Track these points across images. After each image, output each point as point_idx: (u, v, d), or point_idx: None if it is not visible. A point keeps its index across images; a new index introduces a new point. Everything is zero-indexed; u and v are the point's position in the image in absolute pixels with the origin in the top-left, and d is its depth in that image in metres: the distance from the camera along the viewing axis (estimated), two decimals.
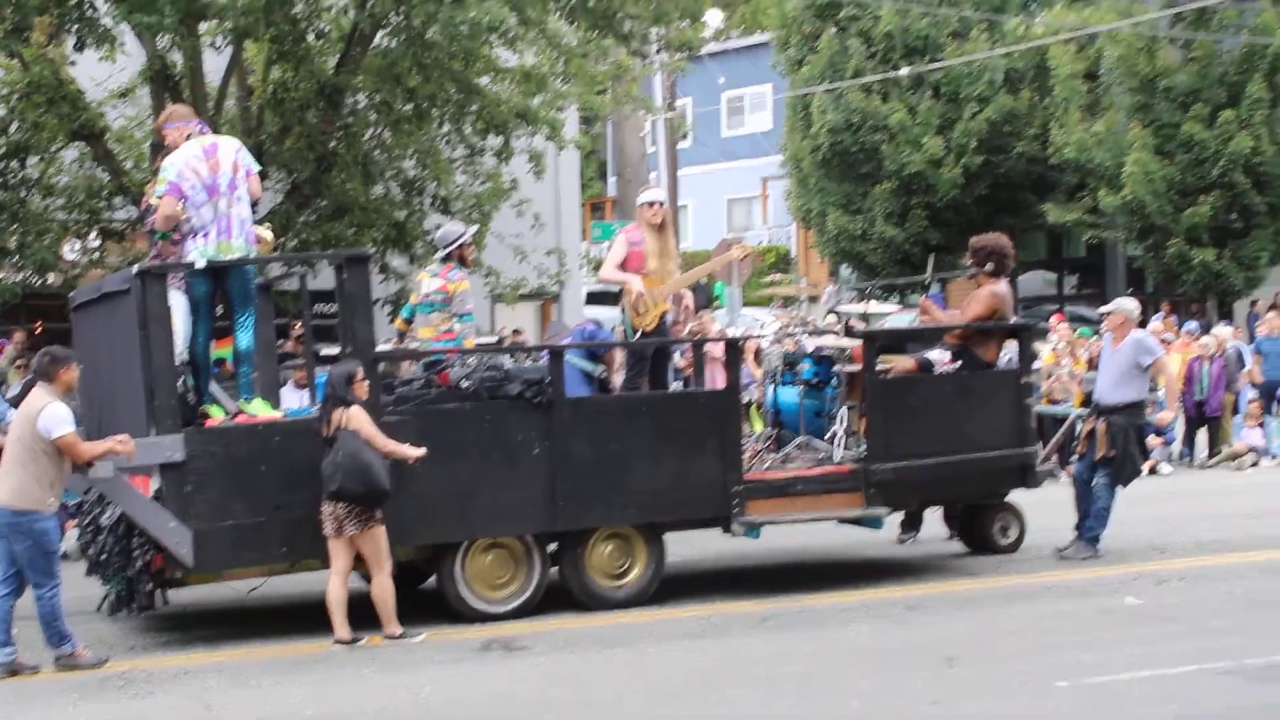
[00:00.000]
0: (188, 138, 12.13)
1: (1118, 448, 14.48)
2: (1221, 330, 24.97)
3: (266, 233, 13.43)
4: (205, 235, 11.87)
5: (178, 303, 12.00)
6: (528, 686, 10.26)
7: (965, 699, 9.57)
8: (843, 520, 14.07)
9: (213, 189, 11.88)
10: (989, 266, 14.42)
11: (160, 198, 11.92)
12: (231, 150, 12.06)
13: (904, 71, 35.25)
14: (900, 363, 14.45)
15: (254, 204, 12.12)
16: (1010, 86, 36.13)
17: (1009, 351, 15.35)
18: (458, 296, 13.06)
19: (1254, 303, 33.23)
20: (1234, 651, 10.45)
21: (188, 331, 12.13)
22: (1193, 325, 26.11)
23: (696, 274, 15.49)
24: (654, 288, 13.60)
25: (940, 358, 14.31)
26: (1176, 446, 23.60)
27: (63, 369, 11.09)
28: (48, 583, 10.88)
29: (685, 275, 14.58)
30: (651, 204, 13.81)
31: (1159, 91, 33.31)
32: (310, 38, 19.62)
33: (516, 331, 25.16)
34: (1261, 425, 23.40)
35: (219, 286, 12.09)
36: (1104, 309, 15.42)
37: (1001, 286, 14.42)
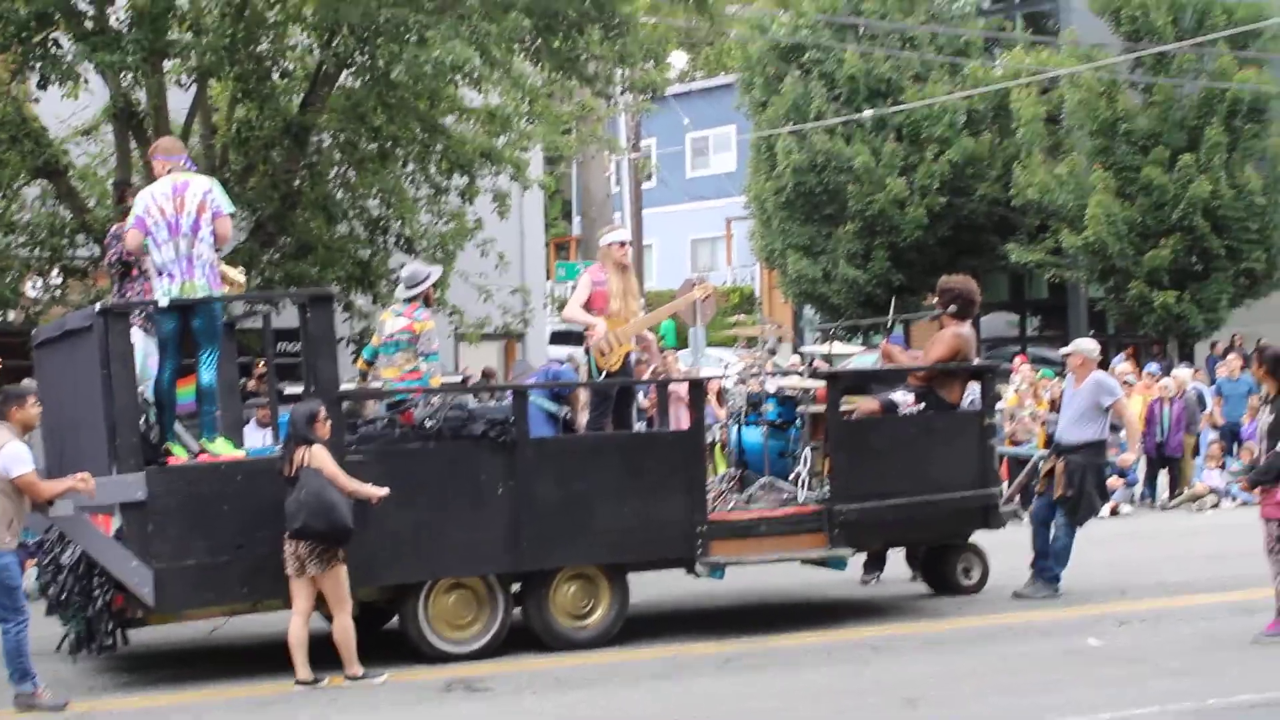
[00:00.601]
0: (168, 172, 12.12)
1: (1074, 487, 14.53)
2: (1181, 372, 25.11)
3: (238, 275, 13.40)
4: (170, 275, 11.85)
5: (139, 341, 11.96)
6: None
7: None
8: (806, 561, 14.05)
9: (174, 228, 11.85)
10: (953, 308, 14.49)
11: (127, 231, 11.90)
12: (200, 191, 11.99)
13: (867, 114, 35.49)
14: (864, 404, 14.48)
15: (218, 247, 12.06)
16: (972, 129, 36.39)
17: (972, 393, 15.40)
18: (423, 336, 13.01)
19: (1214, 344, 33.47)
20: (1197, 693, 10.46)
21: (148, 370, 12.09)
22: (1153, 367, 26.27)
23: (660, 314, 15.52)
24: (618, 328, 13.62)
25: (904, 399, 14.35)
26: (1138, 488, 23.67)
27: (15, 407, 11.03)
28: (14, 618, 10.79)
29: (649, 316, 14.63)
30: (621, 244, 13.87)
31: (1119, 135, 33.61)
32: (275, 76, 19.62)
33: (487, 373, 25.09)
34: (1222, 467, 23.50)
35: (185, 325, 12.05)
36: (1064, 350, 15.51)
37: (965, 328, 14.49)
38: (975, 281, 15.20)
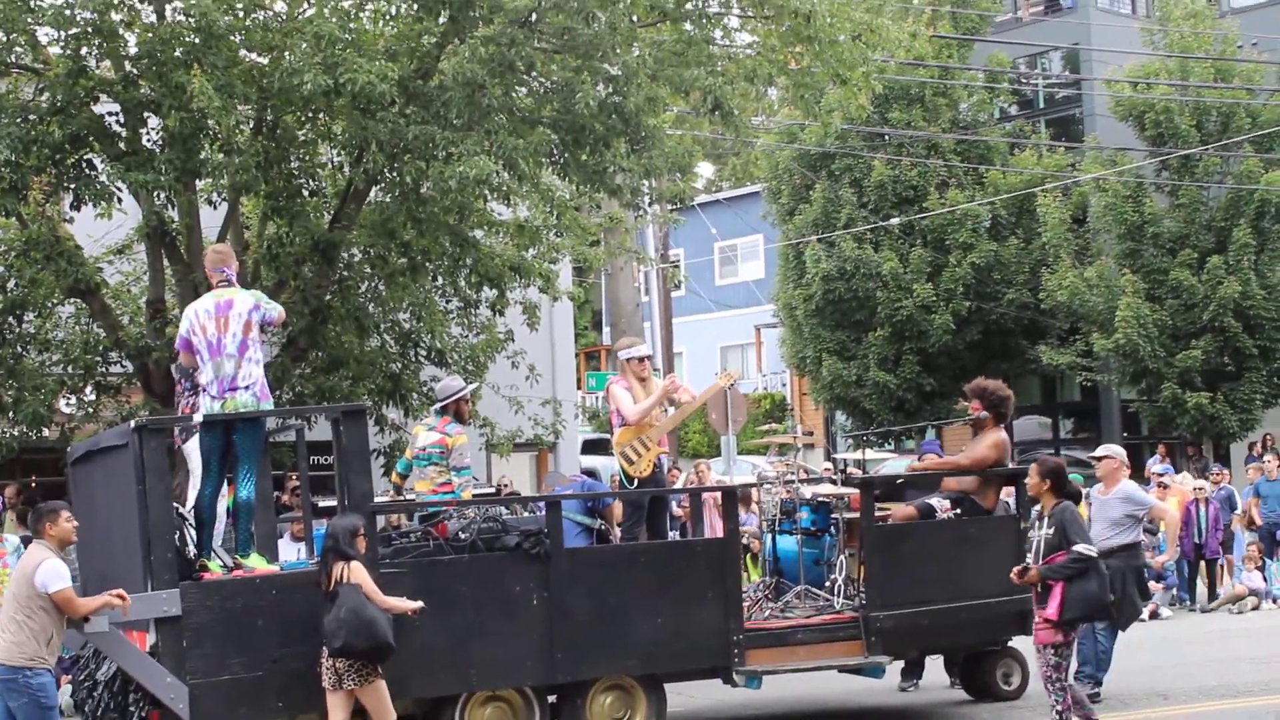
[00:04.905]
0: (216, 284, 12.25)
1: (1116, 591, 14.42)
2: (1186, 479, 25.05)
3: None
4: (211, 395, 11.93)
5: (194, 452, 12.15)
6: None
7: None
8: (844, 669, 13.97)
9: (215, 348, 11.94)
10: (992, 412, 14.42)
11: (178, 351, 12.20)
12: (244, 310, 12.05)
13: (894, 221, 35.67)
14: (901, 510, 14.44)
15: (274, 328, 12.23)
16: (996, 233, 36.53)
17: (1006, 498, 15.34)
18: (456, 450, 13.04)
19: (1253, 445, 33.32)
20: None
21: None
22: (1156, 466, 26.22)
23: (687, 410, 15.20)
24: (645, 432, 13.62)
25: (941, 504, 14.30)
26: (1174, 590, 23.50)
27: (48, 522, 11.05)
28: None
29: (677, 412, 14.48)
30: (641, 360, 13.95)
31: (1147, 238, 33.68)
32: (305, 194, 19.81)
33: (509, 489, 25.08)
34: (1261, 568, 23.32)
35: (228, 442, 12.10)
36: (1092, 455, 15.50)
37: (1004, 434, 14.44)
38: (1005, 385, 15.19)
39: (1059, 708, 11.56)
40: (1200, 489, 23.84)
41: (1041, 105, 42.95)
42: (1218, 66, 34.31)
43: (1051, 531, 11.53)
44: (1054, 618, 11.42)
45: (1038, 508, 11.96)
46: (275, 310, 12.28)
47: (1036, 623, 11.61)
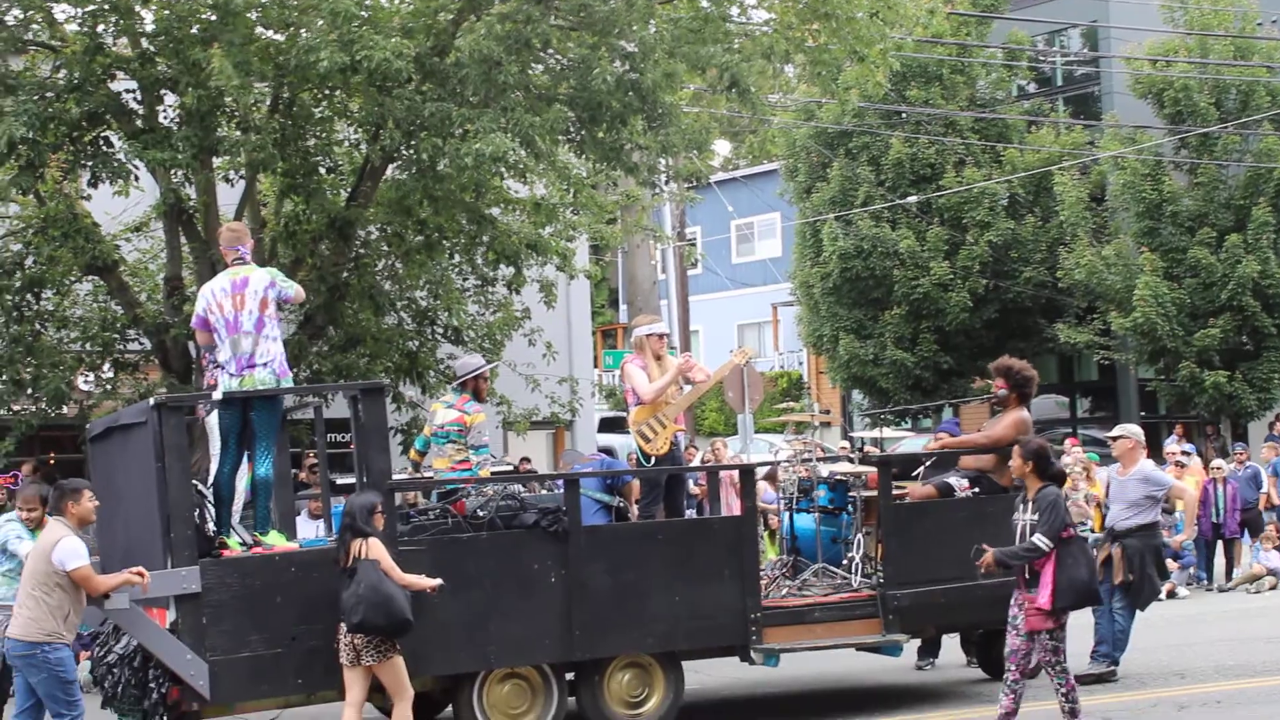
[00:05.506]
0: (231, 263, 12.25)
1: (1135, 571, 14.42)
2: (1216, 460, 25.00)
3: None
4: (229, 372, 11.94)
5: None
6: None
7: None
8: (861, 647, 13.97)
9: (232, 325, 11.96)
10: (1016, 390, 14.35)
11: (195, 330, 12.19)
12: (260, 287, 12.07)
13: (912, 199, 35.61)
14: (918, 489, 14.42)
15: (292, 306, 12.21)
16: (1013, 211, 36.45)
17: None
18: (474, 428, 13.04)
19: (1274, 424, 33.23)
20: None
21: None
22: (1171, 444, 26.16)
23: (702, 388, 15.09)
24: (661, 410, 13.61)
25: (959, 483, 14.27)
26: (1192, 570, 23.46)
27: (70, 501, 11.07)
28: (68, 713, 10.82)
29: (693, 390, 14.44)
30: (659, 336, 13.93)
31: (1165, 216, 33.58)
32: (322, 171, 19.81)
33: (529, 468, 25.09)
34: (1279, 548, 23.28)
35: (246, 419, 12.12)
36: (1110, 434, 15.44)
37: (1026, 413, 14.36)
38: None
39: (1064, 689, 11.55)
40: (1217, 468, 23.78)
41: (1060, 83, 42.78)
42: (1237, 44, 34.18)
43: (1036, 517, 11.44)
44: (1047, 607, 11.38)
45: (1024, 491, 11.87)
46: (292, 289, 12.29)
47: (1027, 609, 11.52)
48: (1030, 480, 11.67)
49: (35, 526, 12.24)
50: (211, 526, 12.00)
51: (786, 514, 15.02)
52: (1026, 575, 11.54)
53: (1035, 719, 12.29)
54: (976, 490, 14.25)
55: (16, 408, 20.11)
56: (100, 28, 17.77)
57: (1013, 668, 11.59)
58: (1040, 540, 11.30)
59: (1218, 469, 23.74)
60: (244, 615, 11.47)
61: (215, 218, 19.09)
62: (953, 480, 14.30)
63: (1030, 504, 11.58)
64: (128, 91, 18.26)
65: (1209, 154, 33.77)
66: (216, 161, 19.18)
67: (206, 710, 11.83)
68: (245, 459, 12.35)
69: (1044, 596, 11.37)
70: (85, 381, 21.03)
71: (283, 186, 19.50)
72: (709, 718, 13.32)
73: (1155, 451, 23.28)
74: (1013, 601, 11.74)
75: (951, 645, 15.63)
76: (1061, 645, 11.59)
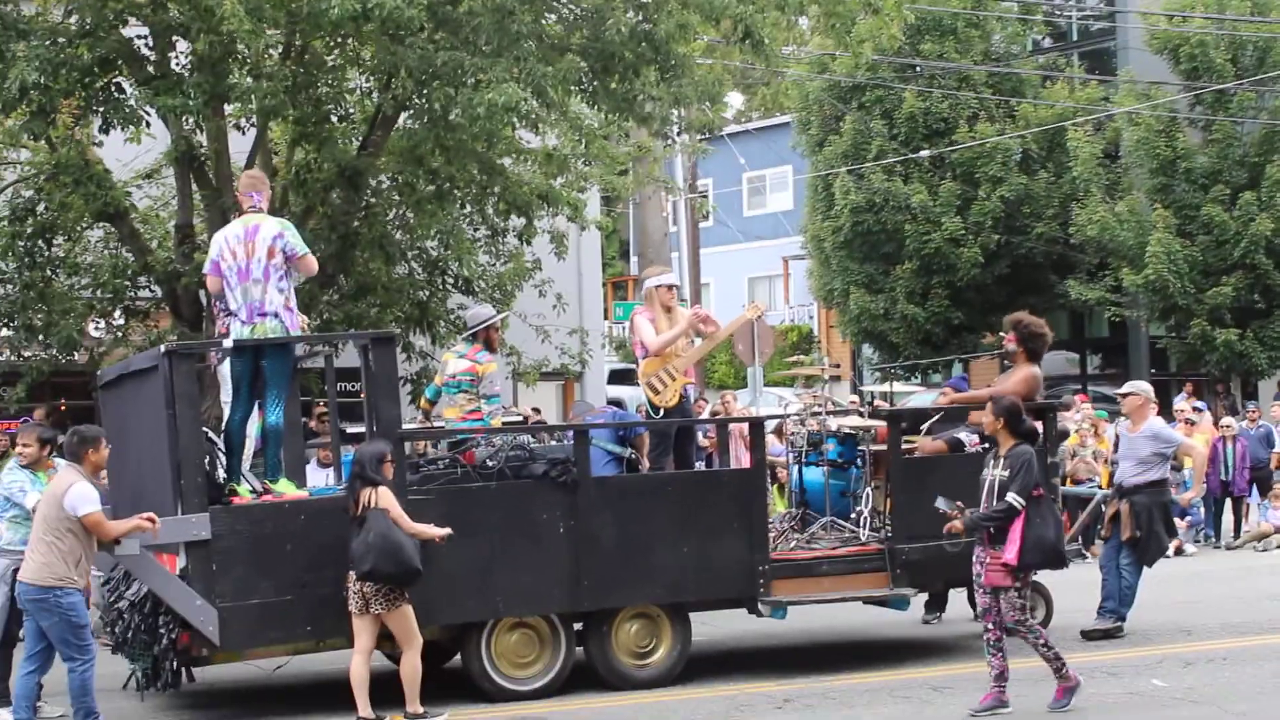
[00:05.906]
0: (247, 209, 12.24)
1: (1142, 528, 14.44)
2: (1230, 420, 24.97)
3: (301, 320, 13.48)
4: (241, 319, 11.94)
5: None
6: None
7: None
8: (868, 600, 14.00)
9: (243, 273, 11.96)
10: (1027, 346, 14.30)
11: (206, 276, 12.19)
12: (269, 235, 12.06)
13: (924, 154, 35.49)
14: (929, 443, 14.41)
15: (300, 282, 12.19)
16: (1026, 166, 36.34)
17: None
18: (486, 378, 13.05)
19: None
20: None
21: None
22: (1179, 402, 26.13)
23: (713, 340, 15.07)
24: (670, 362, 13.60)
25: (969, 438, 14.26)
26: (1201, 528, 23.49)
27: (90, 449, 11.08)
28: (80, 657, 10.84)
29: (704, 343, 14.44)
30: (669, 287, 13.90)
31: (1179, 173, 33.47)
32: (333, 120, 19.75)
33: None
34: None
35: (256, 367, 12.13)
36: (1120, 391, 15.42)
37: (1037, 369, 14.33)
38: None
39: (1040, 643, 11.47)
40: (1227, 426, 23.77)
41: (1075, 38, 42.58)
42: (1255, 0, 33.96)
43: (1007, 474, 11.36)
44: (1013, 563, 11.31)
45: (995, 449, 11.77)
46: (302, 249, 12.20)
47: (989, 565, 11.42)
48: (1002, 437, 11.57)
49: (30, 465, 12.23)
50: (222, 474, 12.04)
51: (795, 467, 15.03)
52: (992, 530, 11.48)
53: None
54: (986, 446, 14.22)
55: (28, 354, 20.14)
56: None
57: (991, 626, 11.53)
58: (1014, 499, 11.24)
59: (1227, 427, 23.73)
60: (253, 562, 11.52)
61: (226, 165, 19.06)
62: (963, 435, 14.29)
63: (1001, 460, 11.49)
64: (139, 37, 18.19)
65: (1224, 111, 33.63)
66: (228, 109, 19.12)
67: (216, 656, 11.92)
68: (256, 407, 12.36)
69: (1010, 553, 11.28)
70: (96, 328, 21.06)
71: (294, 135, 19.45)
72: (716, 669, 13.35)
73: (1165, 409, 23.27)
74: (974, 559, 11.67)
75: (959, 599, 15.66)
76: (1027, 602, 11.57)
